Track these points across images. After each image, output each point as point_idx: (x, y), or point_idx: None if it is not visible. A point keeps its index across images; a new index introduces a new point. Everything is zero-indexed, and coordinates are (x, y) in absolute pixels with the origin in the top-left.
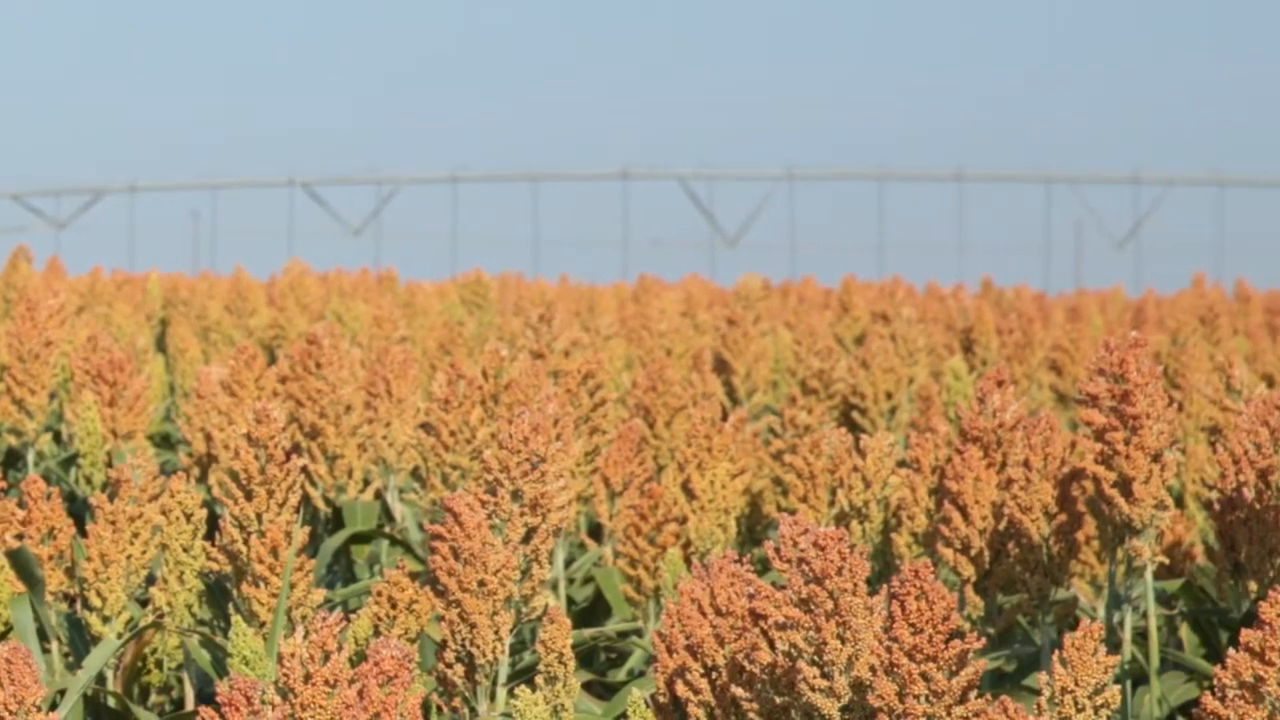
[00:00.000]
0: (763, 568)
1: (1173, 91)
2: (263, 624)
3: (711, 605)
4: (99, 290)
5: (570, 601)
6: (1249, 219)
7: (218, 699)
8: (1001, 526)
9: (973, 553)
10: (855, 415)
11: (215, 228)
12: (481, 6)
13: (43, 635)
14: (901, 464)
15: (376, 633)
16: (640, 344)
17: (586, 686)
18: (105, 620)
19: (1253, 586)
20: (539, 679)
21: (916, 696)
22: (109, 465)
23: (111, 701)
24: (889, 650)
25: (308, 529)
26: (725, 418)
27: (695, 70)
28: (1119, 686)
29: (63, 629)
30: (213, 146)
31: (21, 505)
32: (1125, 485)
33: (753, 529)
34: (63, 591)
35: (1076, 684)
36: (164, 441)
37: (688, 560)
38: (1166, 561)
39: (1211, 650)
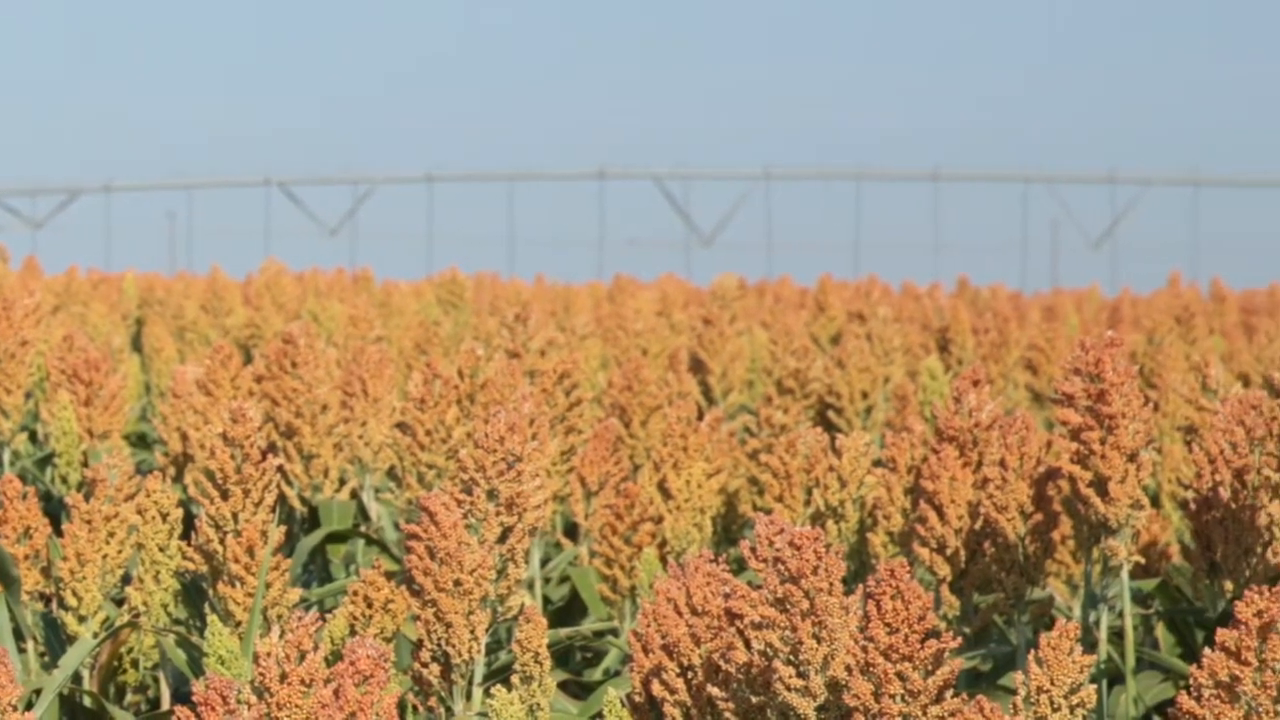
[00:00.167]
0: (738, 567)
1: (1149, 91)
2: (238, 623)
3: (687, 605)
4: (75, 290)
5: (546, 601)
6: (1225, 219)
7: (193, 698)
8: (977, 526)
9: (948, 552)
10: (831, 415)
11: (191, 227)
12: (458, 7)
13: (18, 634)
14: (877, 463)
15: (352, 632)
16: (616, 343)
17: (562, 686)
18: (81, 620)
19: (1228, 586)
20: (515, 678)
21: (892, 696)
22: (85, 465)
23: (87, 701)
24: (865, 650)
25: (283, 528)
26: (701, 417)
27: (672, 70)
28: (1094, 686)
29: (38, 628)
30: (189, 146)
31: None
32: (1101, 485)
33: (728, 528)
34: (38, 591)
35: (1052, 683)
36: (140, 441)
37: (663, 560)
38: (1142, 561)
39: (1187, 650)
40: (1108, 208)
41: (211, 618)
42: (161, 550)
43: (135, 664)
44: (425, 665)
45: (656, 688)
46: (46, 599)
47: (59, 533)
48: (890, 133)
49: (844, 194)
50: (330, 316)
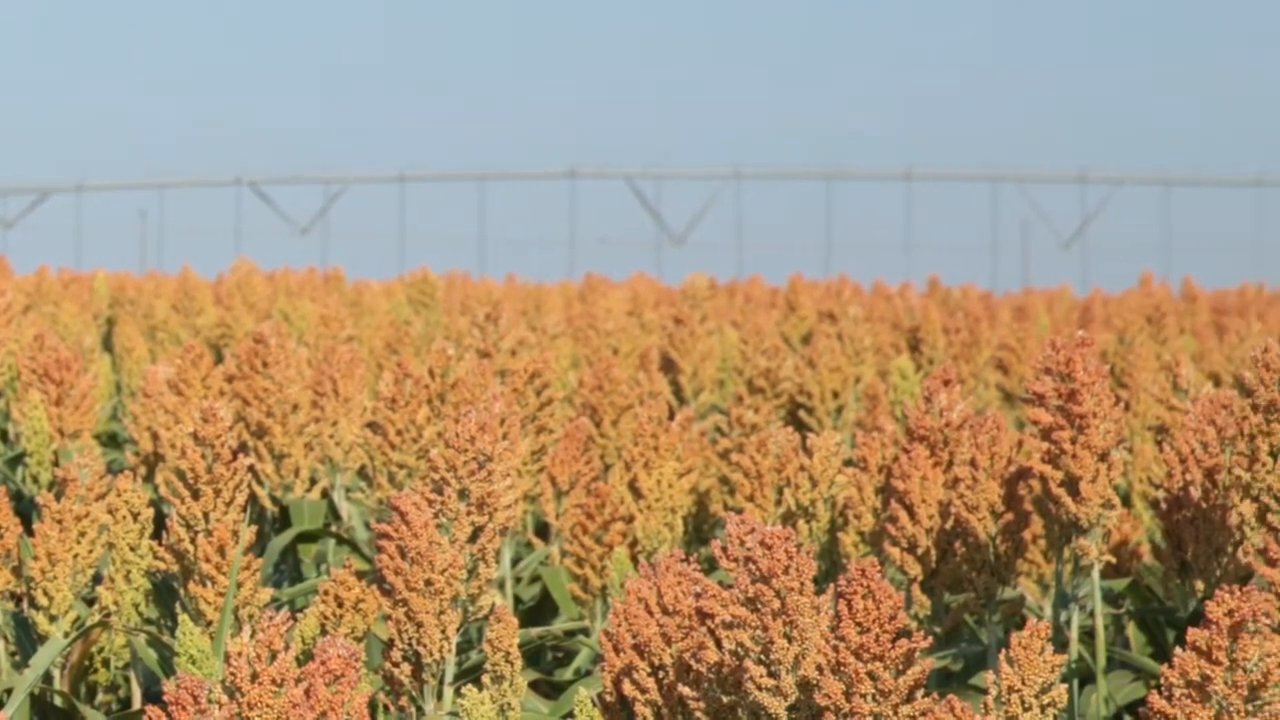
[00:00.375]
0: (710, 567)
1: (1119, 91)
2: (209, 623)
3: (658, 604)
4: (46, 289)
5: (517, 600)
6: (1196, 218)
7: (164, 698)
8: (948, 526)
9: (919, 552)
10: (802, 414)
11: (162, 227)
12: (429, 7)
13: None
14: (848, 463)
15: (323, 631)
16: (587, 343)
17: (533, 685)
18: (52, 619)
19: (1199, 585)
20: (486, 678)
21: (863, 695)
22: (56, 464)
23: (58, 700)
24: (836, 649)
25: (254, 528)
26: (672, 417)
27: (642, 70)
28: (1065, 685)
29: (9, 628)
30: (159, 146)
31: None
32: (1072, 484)
33: (699, 528)
34: (9, 590)
35: (1023, 683)
36: (111, 440)
37: (634, 559)
38: (1113, 560)
39: (1158, 649)
40: (1079, 207)
41: (182, 617)
42: (132, 550)
43: (106, 663)
44: (396, 665)
45: (628, 687)
46: (17, 598)
47: (30, 532)
48: (861, 132)
49: (815, 193)
50: (301, 316)
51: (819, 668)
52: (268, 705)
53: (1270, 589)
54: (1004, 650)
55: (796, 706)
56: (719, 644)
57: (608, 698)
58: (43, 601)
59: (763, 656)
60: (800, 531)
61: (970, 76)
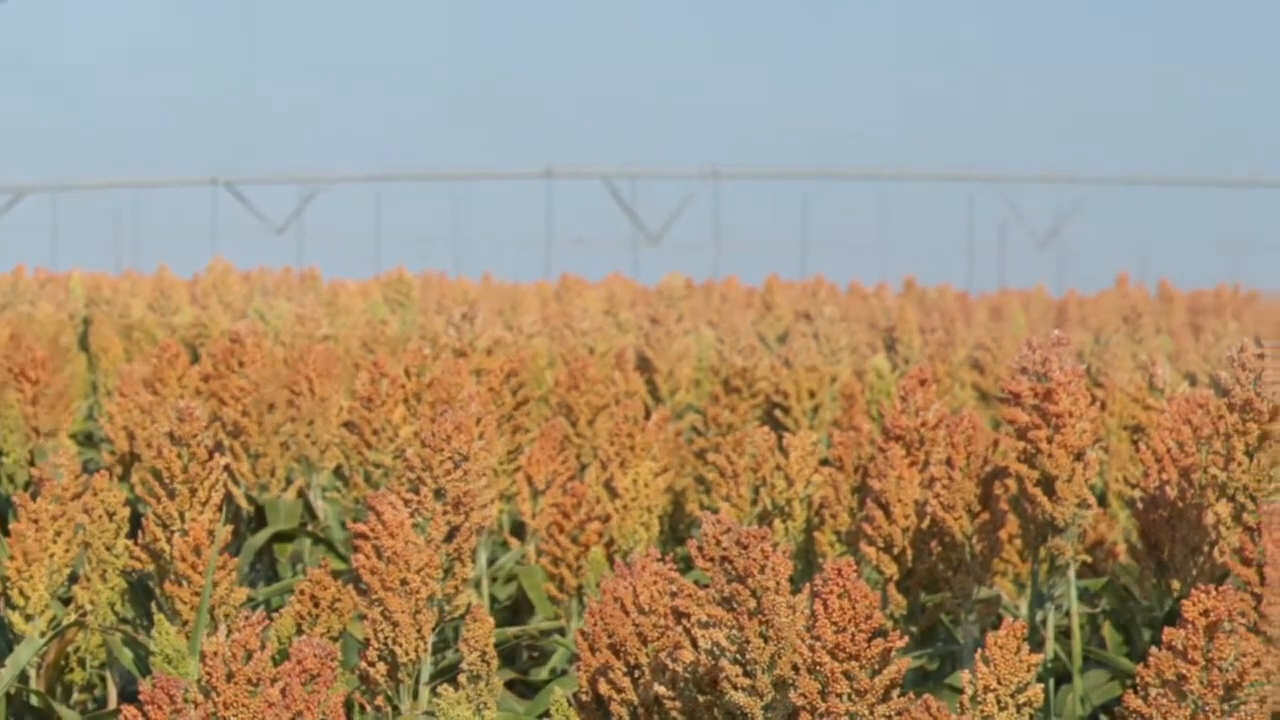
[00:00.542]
0: (686, 566)
1: (1095, 91)
2: (185, 622)
3: (634, 604)
4: (22, 289)
5: (493, 600)
6: (1172, 218)
7: (140, 697)
8: (924, 525)
9: (895, 551)
10: (778, 414)
11: (138, 227)
12: (404, 6)
13: None
14: (824, 462)
15: (299, 631)
16: (563, 342)
17: (509, 685)
18: (28, 619)
19: (1175, 585)
20: (462, 678)
21: (839, 695)
22: (31, 463)
23: (34, 700)
24: (812, 649)
25: (230, 527)
26: (648, 416)
27: (619, 69)
28: (1041, 685)
29: None
30: (135, 146)
31: None
32: (1048, 484)
33: (675, 527)
34: None
35: (999, 682)
36: (87, 440)
37: (610, 559)
38: (1089, 560)
39: (1134, 649)
40: (1054, 207)
41: (158, 616)
42: (108, 549)
43: (82, 663)
44: (372, 664)
45: (603, 687)
46: None
47: (5, 532)
48: (836, 132)
49: (790, 193)
50: (277, 315)
51: (795, 667)
52: (243, 705)
53: (1246, 588)
54: (980, 650)
55: (772, 706)
56: (695, 643)
57: (583, 697)
58: (19, 601)
59: (738, 656)
60: (776, 531)
61: (945, 77)
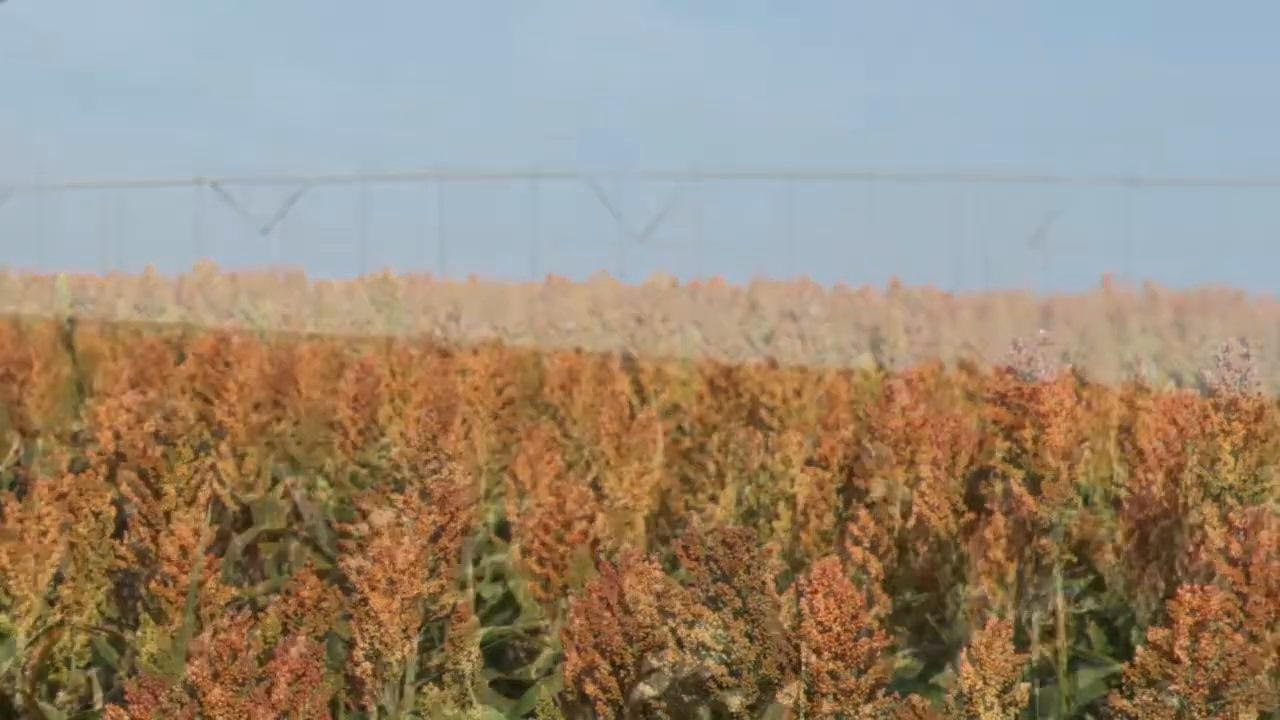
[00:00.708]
0: (671, 565)
1: (1082, 90)
2: (171, 622)
3: (620, 603)
4: (8, 288)
5: (479, 599)
6: (1158, 218)
7: (126, 697)
8: (910, 525)
9: (881, 551)
10: (763, 413)
11: (123, 226)
12: (387, 5)
13: None
14: (810, 462)
15: (285, 630)
16: (549, 342)
17: (495, 685)
18: (14, 618)
19: (1161, 584)
20: (447, 677)
21: (825, 695)
22: (18, 463)
23: (19, 700)
24: (797, 648)
25: (216, 527)
26: (634, 416)
27: (606, 68)
28: (1027, 684)
29: None
30: (121, 146)
31: None
32: (1034, 483)
33: (662, 527)
34: None
35: (985, 682)
36: (73, 439)
37: (596, 558)
38: (1075, 559)
39: (1120, 648)
40: (1040, 207)
41: (144, 616)
42: (94, 549)
43: (68, 663)
44: (358, 664)
45: (589, 686)
46: None
47: None
48: (822, 132)
49: (776, 193)
50: (263, 315)
51: (781, 667)
52: (229, 704)
53: (1231, 588)
54: (966, 649)
55: (758, 706)
56: (681, 643)
57: (569, 697)
58: (4, 600)
59: (724, 656)
60: (762, 530)
61: (930, 75)
